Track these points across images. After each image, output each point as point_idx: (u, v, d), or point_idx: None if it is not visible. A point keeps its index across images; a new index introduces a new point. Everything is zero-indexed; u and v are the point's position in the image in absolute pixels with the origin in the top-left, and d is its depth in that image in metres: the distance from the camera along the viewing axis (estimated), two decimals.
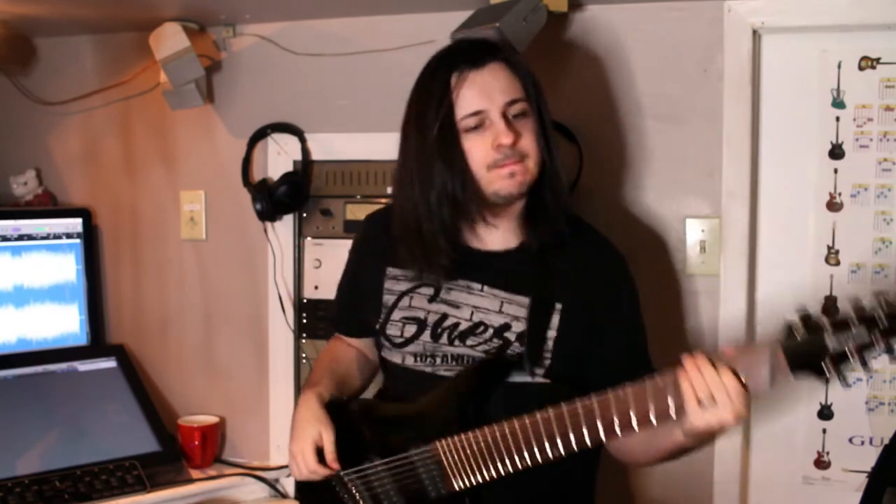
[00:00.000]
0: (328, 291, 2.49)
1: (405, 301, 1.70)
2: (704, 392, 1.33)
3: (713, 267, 2.18)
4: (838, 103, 2.15)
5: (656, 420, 1.39)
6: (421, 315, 1.68)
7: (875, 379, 2.16)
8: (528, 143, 1.59)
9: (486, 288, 1.65)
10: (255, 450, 2.60)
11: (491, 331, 1.63)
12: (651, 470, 2.25)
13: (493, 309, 1.64)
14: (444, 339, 1.66)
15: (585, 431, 1.44)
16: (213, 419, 2.59)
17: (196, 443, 2.52)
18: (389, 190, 2.42)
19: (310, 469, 1.65)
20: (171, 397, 2.72)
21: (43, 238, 2.66)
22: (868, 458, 2.12)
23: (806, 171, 2.18)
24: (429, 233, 1.62)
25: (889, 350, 1.28)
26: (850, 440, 2.18)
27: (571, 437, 1.45)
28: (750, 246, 2.17)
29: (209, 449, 2.55)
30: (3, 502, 2.12)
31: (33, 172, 2.81)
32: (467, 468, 1.54)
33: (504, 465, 1.50)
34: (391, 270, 1.73)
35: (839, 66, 2.14)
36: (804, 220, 2.19)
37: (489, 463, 1.51)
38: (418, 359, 1.68)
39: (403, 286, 1.71)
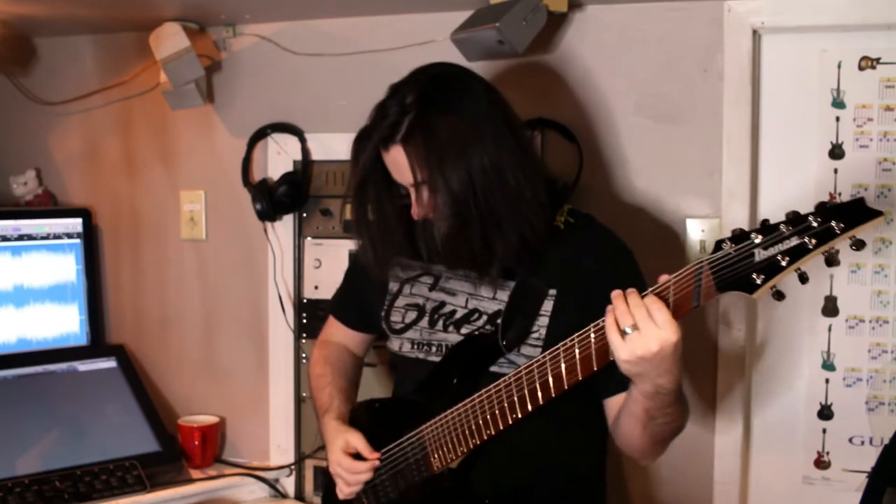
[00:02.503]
0: (328, 291, 2.48)
1: (407, 289, 1.77)
2: (626, 320, 1.31)
3: None
4: (838, 103, 2.15)
5: (584, 358, 1.40)
6: (420, 302, 1.74)
7: (875, 379, 2.16)
8: (434, 213, 1.61)
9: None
10: (255, 450, 2.60)
11: (485, 317, 1.67)
12: (652, 469, 2.25)
13: (487, 296, 1.68)
14: (440, 325, 1.71)
15: (538, 387, 1.47)
16: (213, 419, 2.60)
17: (196, 443, 2.52)
18: None
19: (351, 470, 1.70)
20: (170, 397, 2.73)
21: (43, 238, 2.67)
22: (868, 458, 2.13)
23: (806, 171, 2.18)
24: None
25: (826, 252, 1.21)
26: (851, 440, 2.18)
27: (527, 396, 1.49)
28: None
29: (209, 449, 2.56)
30: (4, 502, 2.12)
31: (33, 172, 2.82)
32: (446, 447, 1.60)
33: (476, 437, 1.56)
34: (398, 259, 1.78)
35: (839, 66, 2.14)
36: None
37: (464, 438, 1.57)
38: (414, 346, 1.74)
39: (407, 274, 1.77)
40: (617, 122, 2.24)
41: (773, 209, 2.20)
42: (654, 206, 2.23)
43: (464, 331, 1.69)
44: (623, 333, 1.32)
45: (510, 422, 1.53)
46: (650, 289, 1.35)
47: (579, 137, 2.24)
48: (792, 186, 2.19)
